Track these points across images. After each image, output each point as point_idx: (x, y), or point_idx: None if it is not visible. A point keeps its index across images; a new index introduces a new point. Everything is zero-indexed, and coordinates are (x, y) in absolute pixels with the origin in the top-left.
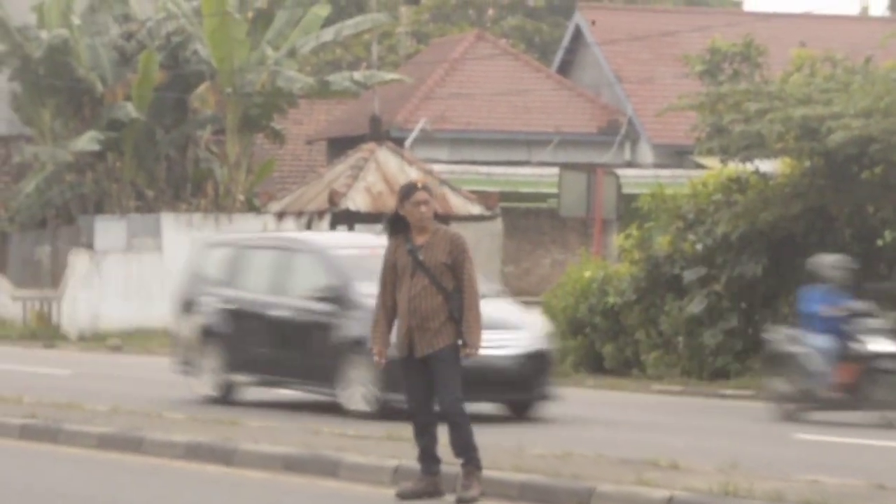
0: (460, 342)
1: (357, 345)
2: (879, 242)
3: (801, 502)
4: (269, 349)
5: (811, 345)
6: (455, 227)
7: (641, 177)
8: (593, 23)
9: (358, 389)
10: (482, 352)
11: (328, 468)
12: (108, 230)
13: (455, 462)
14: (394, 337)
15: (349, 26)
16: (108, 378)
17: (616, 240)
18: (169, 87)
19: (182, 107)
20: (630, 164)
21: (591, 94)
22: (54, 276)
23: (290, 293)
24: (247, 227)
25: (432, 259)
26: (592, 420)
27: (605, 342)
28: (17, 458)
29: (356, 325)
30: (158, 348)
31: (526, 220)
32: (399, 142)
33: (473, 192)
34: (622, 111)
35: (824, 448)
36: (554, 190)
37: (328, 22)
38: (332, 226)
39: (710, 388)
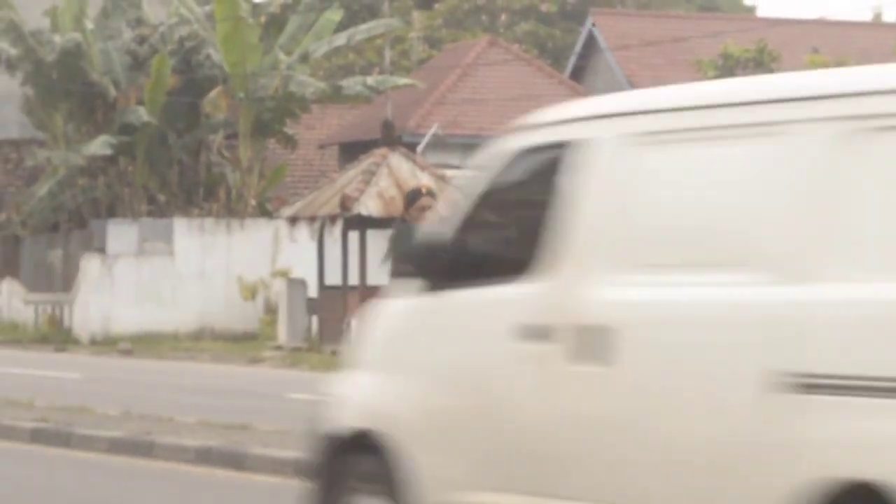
0: None
1: None
2: None
3: None
4: None
5: None
6: None
7: None
8: (593, 25)
9: None
10: None
11: None
12: (120, 234)
13: None
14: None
15: (362, 31)
16: (120, 382)
17: None
18: (181, 92)
19: (195, 111)
20: None
21: None
22: (66, 280)
23: None
24: (259, 232)
25: None
26: None
27: None
28: (29, 461)
29: None
30: (169, 352)
31: None
32: (411, 147)
33: None
34: None
35: None
36: None
37: (341, 27)
38: (344, 231)
39: None
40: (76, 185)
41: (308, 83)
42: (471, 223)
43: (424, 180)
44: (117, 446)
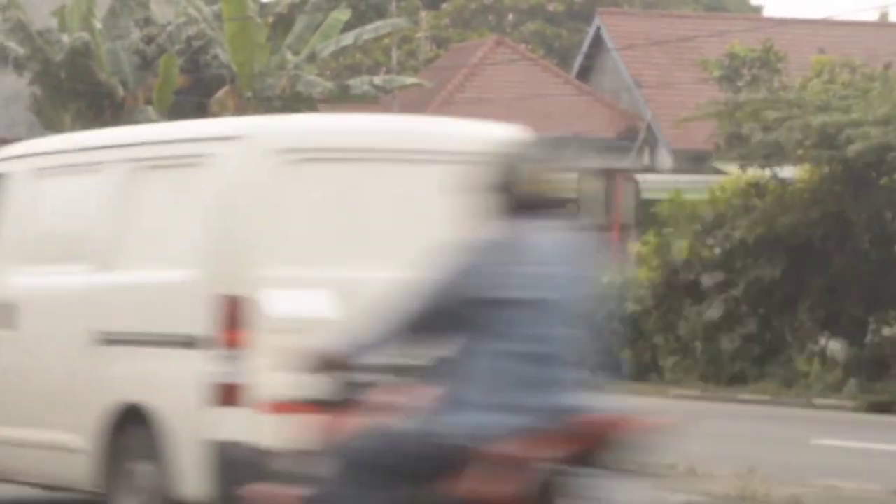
0: None
1: None
2: None
3: None
4: None
5: None
6: None
7: (660, 182)
8: (600, 25)
9: None
10: None
11: None
12: None
13: None
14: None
15: (369, 31)
16: None
17: (634, 245)
18: (189, 91)
19: (202, 111)
20: (649, 170)
21: (611, 100)
22: None
23: None
24: None
25: None
26: None
27: (623, 347)
28: None
29: None
30: None
31: None
32: None
33: None
34: (641, 116)
35: (841, 453)
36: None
37: (348, 26)
38: None
39: (728, 392)
40: None
41: (316, 83)
42: None
43: None
44: None
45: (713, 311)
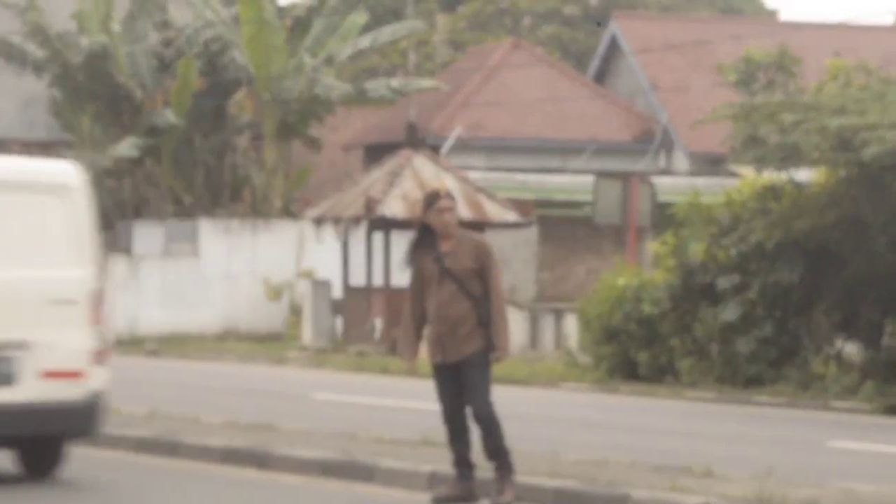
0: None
1: None
2: None
3: None
4: None
5: None
6: (490, 235)
7: (676, 185)
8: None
9: None
10: None
11: (364, 473)
12: (146, 235)
13: (489, 467)
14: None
15: (386, 34)
16: (146, 382)
17: (650, 247)
18: (207, 94)
19: (220, 113)
20: (665, 172)
21: (627, 103)
22: None
23: None
24: (284, 234)
25: (458, 265)
26: (627, 426)
27: (639, 349)
28: None
29: None
30: (195, 353)
31: (561, 227)
32: (435, 149)
33: (509, 199)
34: (657, 119)
35: (858, 456)
36: (589, 197)
37: (365, 29)
38: (369, 232)
39: (745, 395)
40: (103, 187)
41: (333, 85)
42: None
43: (448, 183)
44: (144, 446)
45: (729, 314)
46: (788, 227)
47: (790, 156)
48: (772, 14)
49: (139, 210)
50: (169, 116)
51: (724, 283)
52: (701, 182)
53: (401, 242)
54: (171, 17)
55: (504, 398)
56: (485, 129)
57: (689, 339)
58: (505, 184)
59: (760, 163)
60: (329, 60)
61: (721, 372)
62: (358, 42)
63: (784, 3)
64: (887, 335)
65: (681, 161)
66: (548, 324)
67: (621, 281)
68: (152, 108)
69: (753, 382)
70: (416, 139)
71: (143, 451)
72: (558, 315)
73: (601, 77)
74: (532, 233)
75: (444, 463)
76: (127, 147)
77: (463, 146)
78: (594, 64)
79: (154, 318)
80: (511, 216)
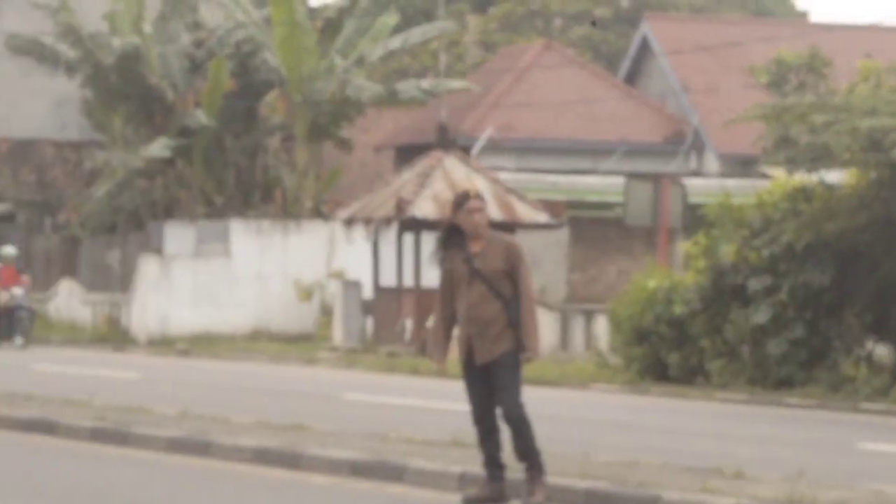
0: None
1: None
2: None
3: None
4: None
5: None
6: (521, 236)
7: (707, 186)
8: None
9: None
10: None
11: (394, 473)
12: (178, 236)
13: (520, 468)
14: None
15: (417, 35)
16: (177, 382)
17: (681, 249)
18: (239, 95)
19: (251, 114)
20: (696, 174)
21: (657, 104)
22: (124, 281)
23: None
24: (315, 234)
25: (488, 266)
26: (657, 428)
27: (670, 350)
28: (87, 460)
29: None
30: (226, 353)
31: (592, 228)
32: (466, 150)
33: (540, 200)
34: (688, 121)
35: (889, 458)
36: (620, 199)
37: (396, 30)
38: (399, 233)
39: (775, 397)
40: (134, 187)
41: (364, 87)
42: None
43: (479, 183)
44: (175, 446)
45: (760, 315)
46: (819, 228)
47: (821, 157)
48: (802, 16)
49: (170, 210)
50: (200, 117)
51: (755, 284)
52: (732, 183)
53: (431, 243)
54: (203, 18)
55: (535, 399)
56: (516, 130)
57: (719, 341)
58: (536, 185)
59: (791, 164)
60: (360, 62)
61: (752, 373)
62: (389, 43)
63: (815, 5)
64: None
65: (711, 162)
66: (578, 325)
67: (652, 282)
68: (184, 108)
69: (784, 384)
70: (447, 140)
71: (173, 451)
72: (589, 316)
73: (632, 78)
74: (563, 234)
75: (474, 464)
76: (158, 148)
77: (494, 147)
78: (625, 65)
79: (185, 318)
80: (542, 217)
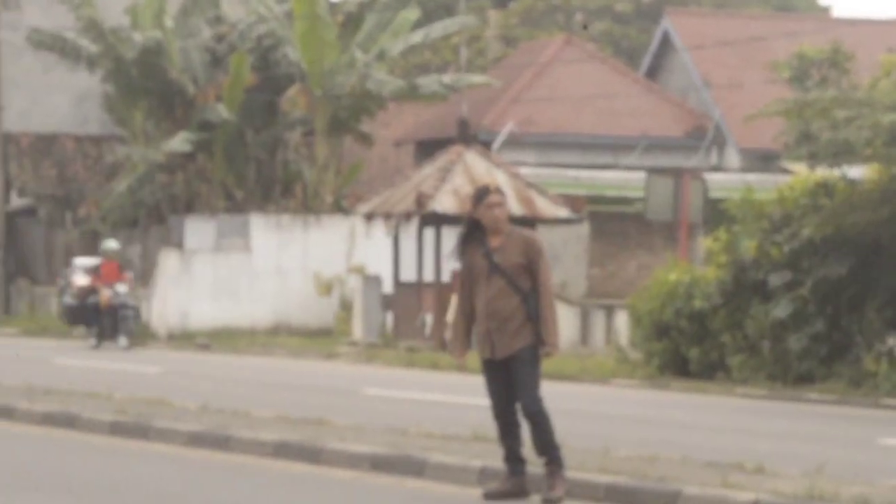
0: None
1: None
2: None
3: None
4: None
5: None
6: (542, 230)
7: (728, 181)
8: (585, 26)
9: None
10: None
11: (414, 468)
12: (198, 230)
13: (540, 463)
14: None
15: (438, 29)
16: (197, 376)
17: (702, 244)
18: (259, 90)
19: (272, 109)
20: (717, 169)
21: (679, 99)
22: (144, 276)
23: None
24: (335, 229)
25: (508, 261)
26: (678, 423)
27: (690, 345)
28: (108, 454)
29: None
30: (246, 348)
31: (612, 223)
32: (487, 145)
33: (560, 195)
34: (709, 116)
35: None
36: (640, 194)
37: (417, 25)
38: (420, 228)
39: (795, 392)
40: (155, 182)
41: (385, 81)
42: None
43: (499, 178)
44: (195, 440)
45: (781, 310)
46: (840, 223)
47: (842, 152)
48: (825, 10)
49: (191, 205)
50: (221, 112)
51: (775, 279)
52: (753, 178)
53: (452, 238)
54: (224, 12)
55: (555, 394)
56: (536, 124)
57: (740, 336)
58: (556, 180)
59: (813, 159)
60: (381, 56)
61: (772, 369)
62: (410, 38)
63: (837, 0)
64: None
65: (732, 158)
66: (599, 320)
67: (672, 277)
68: (205, 103)
69: (804, 379)
70: (468, 135)
71: (194, 446)
72: (609, 311)
73: (653, 73)
74: (583, 229)
75: (494, 458)
76: (179, 142)
77: (514, 142)
78: (646, 60)
79: (205, 312)
80: (562, 212)
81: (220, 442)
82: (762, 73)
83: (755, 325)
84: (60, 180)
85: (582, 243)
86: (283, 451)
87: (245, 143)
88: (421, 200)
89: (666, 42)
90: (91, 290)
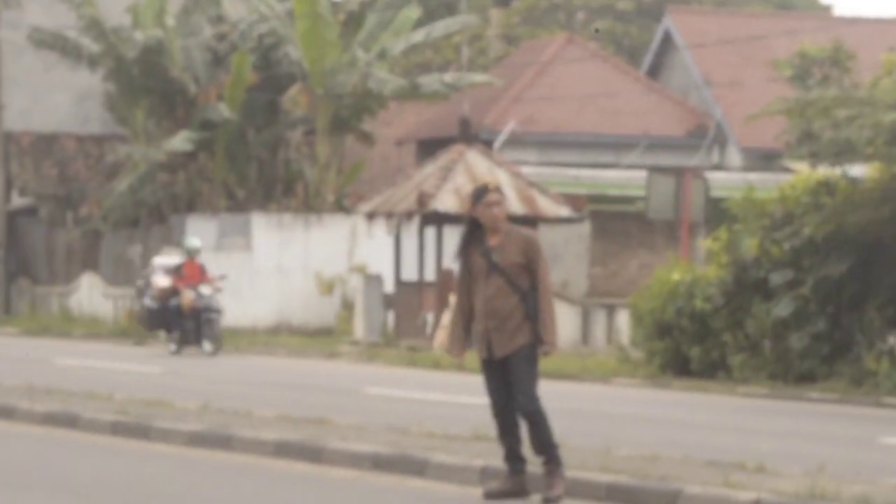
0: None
1: None
2: None
3: None
4: None
5: None
6: (543, 229)
7: (729, 180)
8: (597, 30)
9: None
10: None
11: (416, 467)
12: (199, 229)
13: (540, 462)
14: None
15: (439, 28)
16: (198, 376)
17: (703, 243)
18: (261, 89)
19: (274, 108)
20: (718, 168)
21: (680, 98)
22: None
23: None
24: (337, 228)
25: (506, 259)
26: (679, 422)
27: (691, 345)
28: (109, 454)
29: None
30: (247, 347)
31: (614, 222)
32: (488, 144)
33: (561, 194)
34: (711, 114)
35: None
36: (642, 193)
37: (418, 24)
38: (421, 227)
39: (797, 391)
40: (156, 181)
41: (386, 80)
42: None
43: (500, 177)
44: (196, 440)
45: (782, 309)
46: (842, 221)
47: (844, 151)
48: (826, 9)
49: (192, 204)
50: (222, 111)
51: (776, 278)
52: (754, 177)
53: (453, 237)
54: (226, 11)
55: (556, 393)
56: (538, 123)
57: (741, 335)
58: (558, 179)
59: (814, 158)
60: (382, 55)
61: (773, 368)
62: (411, 37)
63: None
64: None
65: (734, 156)
66: (600, 319)
67: (674, 276)
68: (206, 102)
69: (806, 378)
70: (469, 134)
71: (195, 445)
72: (610, 310)
73: (654, 72)
74: (585, 228)
75: (495, 457)
76: (180, 141)
77: (516, 141)
78: (647, 59)
79: None
80: (564, 211)
81: (222, 441)
82: (763, 72)
83: (756, 324)
84: (61, 180)
85: (583, 242)
86: (284, 450)
87: (246, 142)
88: (422, 199)
89: (667, 41)
90: (172, 292)
